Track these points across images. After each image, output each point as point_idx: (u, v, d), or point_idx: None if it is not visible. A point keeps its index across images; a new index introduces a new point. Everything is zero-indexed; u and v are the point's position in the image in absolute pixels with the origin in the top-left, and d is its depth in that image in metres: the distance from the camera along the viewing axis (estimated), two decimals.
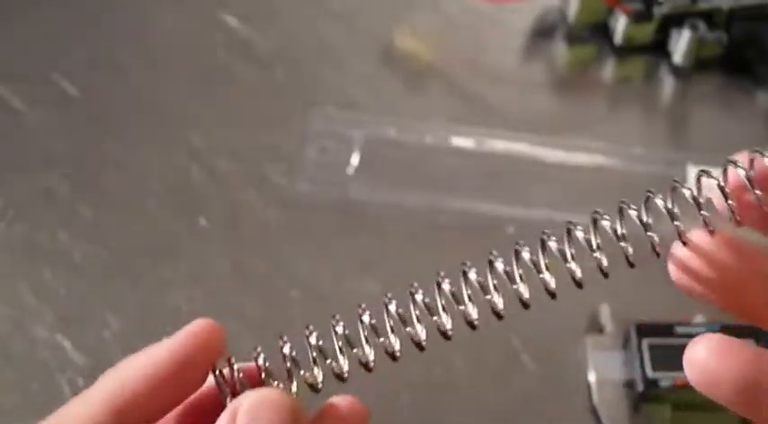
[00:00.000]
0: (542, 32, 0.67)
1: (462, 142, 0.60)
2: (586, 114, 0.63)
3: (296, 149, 0.59)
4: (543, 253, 0.29)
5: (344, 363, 0.30)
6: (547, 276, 0.29)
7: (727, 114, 0.63)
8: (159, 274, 0.55)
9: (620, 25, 0.64)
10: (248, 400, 0.30)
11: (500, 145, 0.60)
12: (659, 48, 0.65)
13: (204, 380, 0.32)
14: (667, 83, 0.64)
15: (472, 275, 0.30)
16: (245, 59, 0.65)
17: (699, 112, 0.64)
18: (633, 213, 0.32)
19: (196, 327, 0.33)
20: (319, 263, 0.55)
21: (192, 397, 0.32)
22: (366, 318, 0.30)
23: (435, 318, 0.30)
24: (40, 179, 0.59)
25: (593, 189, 0.58)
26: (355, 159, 0.59)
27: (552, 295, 0.29)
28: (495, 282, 0.29)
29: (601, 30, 0.66)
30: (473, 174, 0.59)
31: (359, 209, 0.58)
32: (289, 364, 0.31)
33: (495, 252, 0.30)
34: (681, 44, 0.63)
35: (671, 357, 0.48)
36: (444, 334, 0.30)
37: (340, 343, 0.30)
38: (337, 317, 0.31)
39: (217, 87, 0.64)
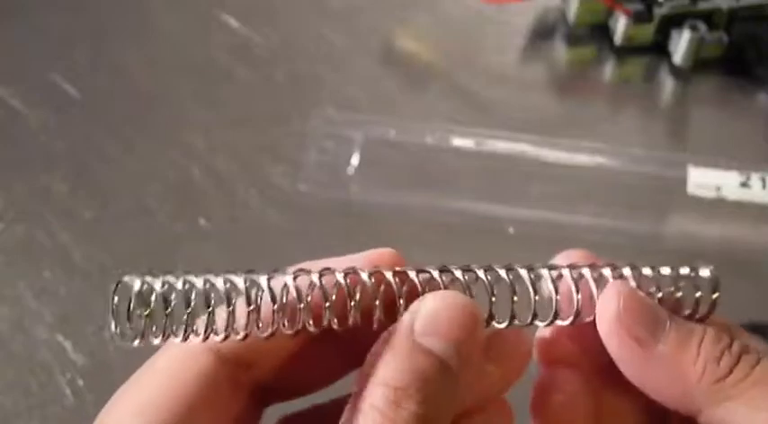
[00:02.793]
0: (542, 32, 0.67)
1: (462, 142, 0.60)
2: (586, 114, 0.63)
3: (296, 149, 0.59)
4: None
5: None
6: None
7: (727, 114, 0.63)
8: None
9: (620, 25, 0.64)
10: (429, 301, 0.30)
11: (500, 145, 0.60)
12: (659, 48, 0.65)
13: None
14: (667, 84, 0.64)
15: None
16: (245, 59, 0.65)
17: (699, 113, 0.64)
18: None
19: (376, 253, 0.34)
20: (319, 263, 0.55)
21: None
22: None
23: None
24: (40, 179, 0.59)
25: (593, 189, 0.58)
26: (355, 159, 0.59)
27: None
28: None
29: (601, 31, 0.66)
30: (473, 174, 0.59)
31: (359, 210, 0.58)
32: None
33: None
34: (681, 45, 0.63)
35: None
36: None
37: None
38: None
39: (217, 87, 0.64)
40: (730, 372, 0.30)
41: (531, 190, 0.58)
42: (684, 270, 0.32)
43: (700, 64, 0.64)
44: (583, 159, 0.59)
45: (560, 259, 0.33)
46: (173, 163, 0.60)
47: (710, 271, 0.32)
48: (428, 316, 0.29)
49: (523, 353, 0.32)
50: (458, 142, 0.60)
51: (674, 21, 0.63)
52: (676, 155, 0.59)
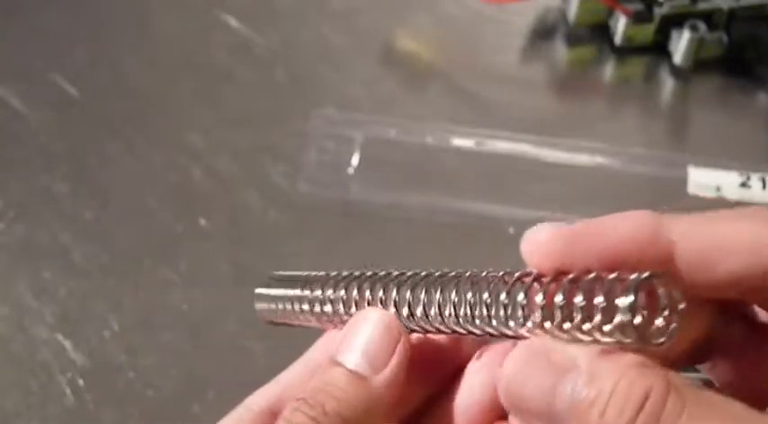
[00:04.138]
0: (542, 32, 0.67)
1: (462, 142, 0.60)
2: (586, 114, 0.63)
3: (296, 149, 0.59)
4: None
5: None
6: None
7: (727, 114, 0.63)
8: (159, 274, 0.55)
9: (621, 25, 0.64)
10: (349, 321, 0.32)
11: (500, 145, 0.60)
12: (659, 48, 0.65)
13: None
14: (667, 84, 0.64)
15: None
16: (245, 59, 0.65)
17: (699, 113, 0.64)
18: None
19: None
20: (319, 263, 0.55)
21: None
22: None
23: None
24: (40, 179, 0.59)
25: (592, 189, 0.58)
26: (355, 159, 0.59)
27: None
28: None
29: (601, 31, 0.66)
30: (473, 174, 0.59)
31: (359, 210, 0.58)
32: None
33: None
34: (681, 45, 0.63)
35: None
36: None
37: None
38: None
39: (217, 87, 0.64)
40: None
41: (531, 190, 0.58)
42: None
43: (700, 64, 0.64)
44: (583, 159, 0.59)
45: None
46: (173, 163, 0.60)
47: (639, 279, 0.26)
48: (344, 334, 0.31)
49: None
50: (458, 142, 0.60)
51: (674, 21, 0.63)
52: (676, 155, 0.59)
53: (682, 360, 0.30)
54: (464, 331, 0.30)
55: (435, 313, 0.30)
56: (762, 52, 0.65)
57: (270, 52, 0.65)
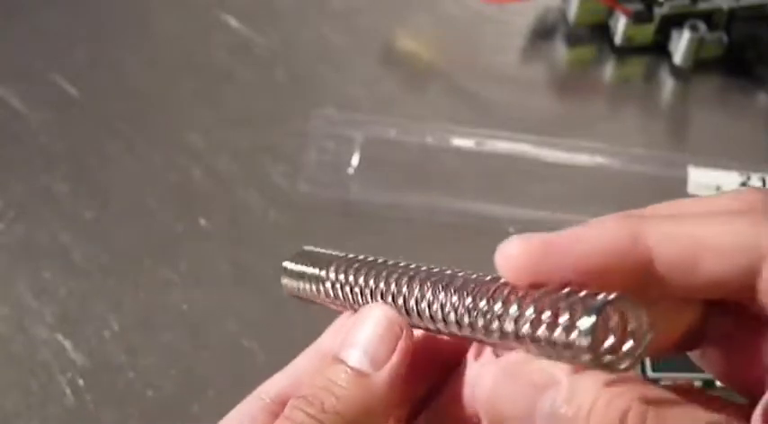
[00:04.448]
0: (542, 32, 0.67)
1: (462, 142, 0.60)
2: (586, 114, 0.63)
3: (296, 149, 0.59)
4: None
5: None
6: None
7: (727, 114, 0.63)
8: (159, 274, 0.55)
9: (621, 25, 0.64)
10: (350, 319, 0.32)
11: (500, 145, 0.60)
12: (659, 48, 0.65)
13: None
14: (667, 84, 0.64)
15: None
16: (245, 59, 0.65)
17: (699, 113, 0.64)
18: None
19: None
20: None
21: None
22: None
23: None
24: (40, 179, 0.59)
25: (592, 189, 0.58)
26: (355, 159, 0.59)
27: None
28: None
29: (601, 31, 0.66)
30: (473, 174, 0.59)
31: (359, 210, 0.58)
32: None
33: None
34: (681, 45, 0.63)
35: (671, 358, 0.48)
36: None
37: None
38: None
39: (217, 87, 0.64)
40: None
41: (531, 190, 0.58)
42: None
43: (700, 64, 0.64)
44: (583, 159, 0.59)
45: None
46: (173, 163, 0.60)
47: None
48: (347, 330, 0.31)
49: None
50: (458, 142, 0.60)
51: (674, 21, 0.63)
52: (676, 155, 0.59)
53: (672, 349, 0.29)
54: (459, 334, 0.30)
55: (430, 312, 0.30)
56: (762, 52, 0.65)
57: (270, 52, 0.65)
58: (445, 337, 0.32)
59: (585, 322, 0.25)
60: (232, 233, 0.57)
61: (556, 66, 0.66)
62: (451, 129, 0.60)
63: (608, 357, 0.25)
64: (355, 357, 0.30)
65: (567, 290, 0.26)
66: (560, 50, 0.66)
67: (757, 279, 0.26)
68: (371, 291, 0.32)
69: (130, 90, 0.63)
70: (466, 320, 0.28)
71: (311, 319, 0.55)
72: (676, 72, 0.65)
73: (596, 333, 0.25)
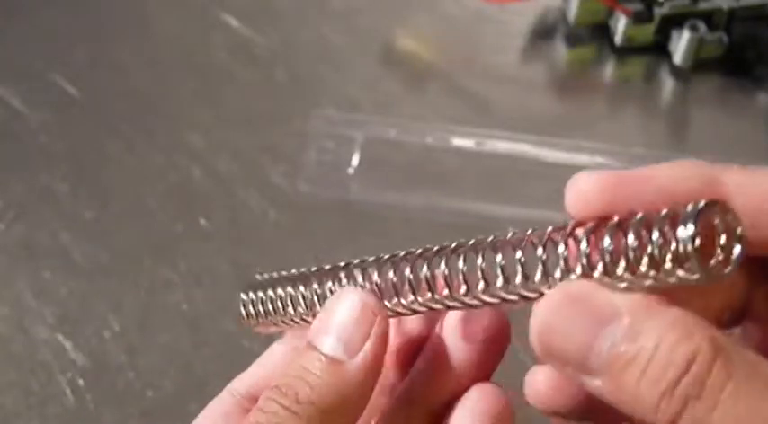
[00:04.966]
0: (542, 32, 0.67)
1: (462, 142, 0.60)
2: (586, 114, 0.63)
3: (296, 149, 0.59)
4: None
5: None
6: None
7: (727, 114, 0.63)
8: (159, 274, 0.55)
9: (621, 25, 0.64)
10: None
11: (500, 145, 0.60)
12: (659, 48, 0.65)
13: None
14: (667, 84, 0.64)
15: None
16: (245, 59, 0.65)
17: (699, 113, 0.64)
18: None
19: None
20: (320, 263, 0.55)
21: None
22: None
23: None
24: (40, 179, 0.59)
25: None
26: (356, 159, 0.59)
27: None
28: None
29: (601, 31, 0.66)
30: (473, 174, 0.59)
31: (359, 210, 0.58)
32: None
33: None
34: (681, 45, 0.63)
35: None
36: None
37: None
38: None
39: (217, 87, 0.64)
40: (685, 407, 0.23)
41: (531, 190, 0.58)
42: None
43: (700, 64, 0.64)
44: (583, 159, 0.59)
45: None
46: (173, 163, 0.60)
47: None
48: (320, 317, 0.31)
49: (498, 328, 0.32)
50: (458, 142, 0.60)
51: (674, 21, 0.63)
52: (676, 155, 0.59)
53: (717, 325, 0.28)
54: (477, 302, 0.28)
55: (452, 285, 0.29)
56: (762, 52, 0.65)
57: (270, 52, 0.65)
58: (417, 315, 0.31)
59: (685, 231, 0.23)
60: (232, 233, 0.57)
61: (556, 66, 0.66)
62: (451, 129, 0.60)
63: (712, 264, 0.24)
64: (329, 344, 0.30)
65: (641, 215, 0.25)
66: (560, 50, 0.66)
67: None
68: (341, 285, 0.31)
69: (130, 90, 0.63)
70: (517, 277, 0.27)
71: None
72: (676, 72, 0.65)
73: (699, 239, 0.23)
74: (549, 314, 0.25)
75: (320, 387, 0.29)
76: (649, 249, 0.24)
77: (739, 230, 0.24)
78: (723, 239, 0.24)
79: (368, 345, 0.30)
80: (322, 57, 0.65)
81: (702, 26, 0.63)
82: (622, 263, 0.24)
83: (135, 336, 0.53)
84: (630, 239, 0.24)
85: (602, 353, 0.24)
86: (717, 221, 0.24)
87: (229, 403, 0.33)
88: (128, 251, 0.56)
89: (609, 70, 0.66)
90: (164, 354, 0.52)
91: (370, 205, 0.58)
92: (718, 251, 0.24)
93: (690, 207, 0.24)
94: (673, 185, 0.26)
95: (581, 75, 0.66)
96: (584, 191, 0.26)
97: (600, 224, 0.25)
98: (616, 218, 0.25)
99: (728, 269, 0.24)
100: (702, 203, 0.24)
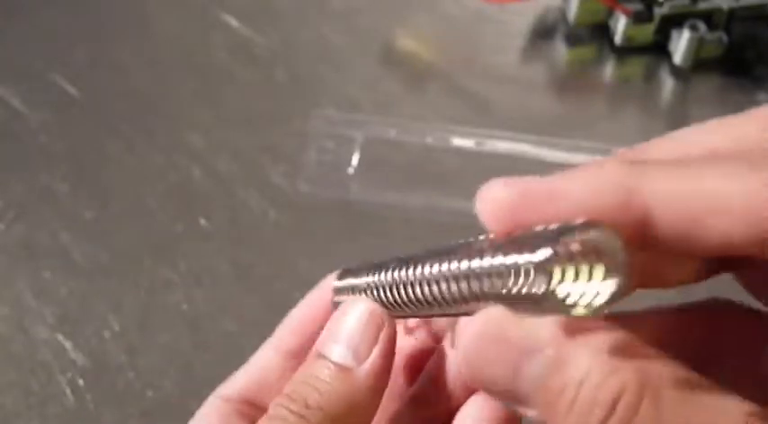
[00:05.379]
0: (542, 32, 0.67)
1: (462, 142, 0.60)
2: (586, 114, 0.63)
3: (296, 149, 0.59)
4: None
5: None
6: None
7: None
8: (159, 274, 0.55)
9: (621, 25, 0.64)
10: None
11: (500, 145, 0.60)
12: (659, 48, 0.65)
13: None
14: (667, 84, 0.64)
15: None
16: (245, 59, 0.65)
17: (699, 112, 0.64)
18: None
19: None
20: (320, 263, 0.55)
21: None
22: None
23: None
24: (40, 179, 0.59)
25: None
26: (356, 159, 0.59)
27: None
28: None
29: (601, 31, 0.66)
30: (473, 174, 0.59)
31: (359, 210, 0.58)
32: None
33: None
34: (681, 44, 0.63)
35: None
36: None
37: None
38: None
39: (217, 87, 0.64)
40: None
41: None
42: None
43: (700, 64, 0.64)
44: (583, 159, 0.59)
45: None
46: (173, 163, 0.60)
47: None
48: (328, 327, 0.31)
49: None
50: (458, 142, 0.60)
51: (674, 21, 0.63)
52: None
53: (697, 277, 0.26)
54: (438, 310, 0.27)
55: (396, 296, 0.29)
56: (762, 52, 0.65)
57: (270, 52, 0.65)
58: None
59: (539, 254, 0.21)
60: (232, 233, 0.57)
61: (556, 66, 0.66)
62: (451, 129, 0.60)
63: (573, 299, 0.22)
64: (337, 351, 0.30)
65: (539, 229, 0.23)
66: (560, 50, 0.66)
67: None
68: (371, 289, 0.31)
69: (130, 90, 0.63)
70: (427, 291, 0.26)
71: None
72: (676, 72, 0.65)
73: (553, 269, 0.21)
74: (472, 347, 0.24)
75: (329, 394, 0.29)
76: (496, 276, 0.23)
77: (620, 257, 0.22)
78: (596, 269, 0.22)
79: (376, 351, 0.30)
80: (322, 57, 0.65)
81: (702, 26, 0.63)
82: (493, 289, 0.23)
83: (135, 336, 0.53)
84: (486, 262, 0.23)
85: (529, 385, 0.23)
86: (578, 248, 0.22)
87: (224, 408, 0.33)
88: (128, 251, 0.56)
89: (609, 70, 0.66)
90: (164, 354, 0.52)
91: (370, 205, 0.58)
92: (584, 283, 0.22)
93: (555, 228, 0.22)
94: (585, 199, 0.24)
95: (581, 75, 0.66)
96: (490, 201, 0.25)
97: (492, 241, 0.24)
98: (491, 236, 0.24)
99: (596, 307, 0.22)
100: (572, 225, 0.22)
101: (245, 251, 0.56)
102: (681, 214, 0.23)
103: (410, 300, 0.28)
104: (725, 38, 0.63)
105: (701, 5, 0.63)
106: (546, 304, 0.21)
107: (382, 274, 0.30)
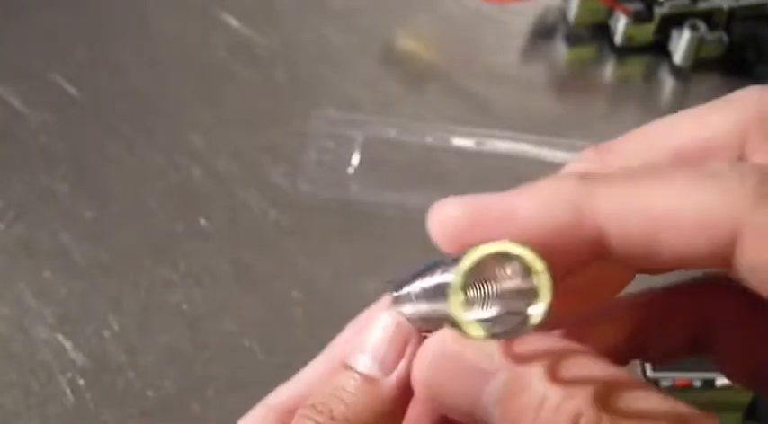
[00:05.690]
0: (542, 32, 0.67)
1: (462, 142, 0.60)
2: (586, 114, 0.63)
3: (296, 149, 0.59)
4: None
5: None
6: None
7: None
8: (159, 274, 0.55)
9: (621, 25, 0.64)
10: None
11: (500, 145, 0.60)
12: (659, 48, 0.65)
13: None
14: (667, 84, 0.64)
15: None
16: (245, 59, 0.65)
17: None
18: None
19: None
20: (319, 263, 0.55)
21: None
22: None
23: None
24: (40, 179, 0.59)
25: None
26: (356, 159, 0.59)
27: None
28: None
29: (601, 30, 0.66)
30: (473, 174, 0.59)
31: (359, 210, 0.58)
32: None
33: None
34: (681, 44, 0.63)
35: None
36: None
37: None
38: None
39: (217, 87, 0.63)
40: None
41: None
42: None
43: (700, 63, 0.64)
44: None
45: None
46: (173, 163, 0.60)
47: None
48: (356, 338, 0.30)
49: None
50: (458, 142, 0.60)
51: (674, 20, 0.63)
52: None
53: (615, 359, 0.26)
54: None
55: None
56: (762, 52, 0.65)
57: (270, 52, 0.65)
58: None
59: (448, 277, 0.21)
60: (232, 233, 0.57)
61: (556, 66, 0.66)
62: (451, 129, 0.60)
63: (486, 324, 0.22)
64: (364, 362, 0.29)
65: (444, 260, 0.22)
66: (560, 50, 0.66)
67: (733, 257, 0.22)
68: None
69: (130, 90, 0.63)
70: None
71: (311, 319, 0.55)
72: (676, 71, 0.65)
73: (462, 291, 0.21)
74: (428, 370, 0.24)
75: (355, 405, 0.29)
76: (436, 296, 0.23)
77: (539, 281, 0.21)
78: (508, 293, 0.22)
79: (402, 364, 0.29)
80: (322, 57, 0.65)
81: (702, 26, 0.63)
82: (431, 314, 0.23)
83: (135, 336, 0.53)
84: (414, 287, 0.23)
85: (488, 409, 0.23)
86: (490, 272, 0.22)
87: (266, 417, 0.33)
88: (128, 251, 0.56)
89: (609, 70, 0.66)
90: (164, 354, 0.52)
91: (370, 205, 0.58)
92: (496, 307, 0.22)
93: (469, 253, 0.22)
94: (536, 220, 0.23)
95: (581, 75, 0.66)
96: (446, 223, 0.24)
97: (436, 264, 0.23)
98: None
99: (517, 332, 0.21)
100: (487, 248, 0.22)
101: (245, 251, 0.56)
102: (633, 232, 0.23)
103: (409, 317, 0.28)
104: (725, 37, 0.63)
105: (702, 5, 0.63)
106: (464, 328, 0.21)
107: (396, 288, 0.30)
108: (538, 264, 0.21)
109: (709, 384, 0.47)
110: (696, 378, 0.48)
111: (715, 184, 0.22)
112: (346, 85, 0.64)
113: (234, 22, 0.66)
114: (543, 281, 0.21)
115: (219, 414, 0.50)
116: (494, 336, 0.21)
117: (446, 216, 0.25)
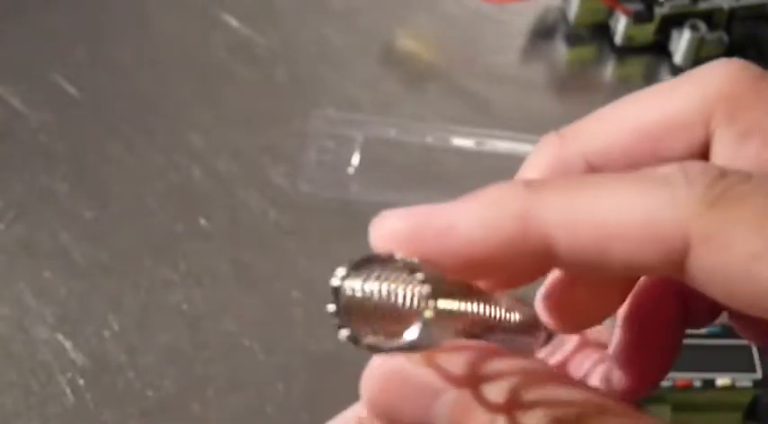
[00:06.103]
0: (542, 32, 0.67)
1: (462, 142, 0.60)
2: (586, 114, 0.63)
3: (296, 150, 0.59)
4: None
5: None
6: None
7: None
8: (159, 274, 0.55)
9: (621, 25, 0.64)
10: None
11: (500, 145, 0.60)
12: (659, 48, 0.65)
13: None
14: None
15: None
16: (245, 59, 0.65)
17: None
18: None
19: None
20: (320, 263, 0.55)
21: None
22: None
23: None
24: (40, 179, 0.59)
25: None
26: (356, 159, 0.59)
27: None
28: None
29: (601, 30, 0.66)
30: (473, 174, 0.59)
31: (359, 210, 0.58)
32: None
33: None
34: (681, 44, 0.63)
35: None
36: None
37: None
38: None
39: (217, 87, 0.64)
40: None
41: None
42: None
43: (700, 63, 0.64)
44: None
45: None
46: (173, 163, 0.60)
47: None
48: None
49: None
50: (458, 142, 0.60)
51: (674, 20, 0.63)
52: None
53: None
54: None
55: None
56: (762, 52, 0.65)
57: (270, 52, 0.65)
58: None
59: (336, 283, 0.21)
60: (232, 233, 0.57)
61: (556, 66, 0.66)
62: (451, 129, 0.60)
63: (369, 337, 0.21)
64: (365, 413, 0.28)
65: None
66: (560, 50, 0.66)
67: (684, 267, 0.21)
68: None
69: (130, 90, 0.63)
70: None
71: (311, 319, 0.55)
72: (676, 72, 0.64)
73: (341, 304, 0.22)
74: (378, 392, 0.23)
75: None
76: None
77: (424, 291, 0.20)
78: (393, 311, 0.21)
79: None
80: (322, 57, 0.65)
81: (703, 26, 0.63)
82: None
83: (135, 336, 0.53)
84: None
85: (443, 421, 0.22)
86: (374, 292, 0.21)
87: None
88: (128, 251, 0.56)
89: (609, 70, 0.66)
90: (164, 354, 0.52)
91: (370, 205, 0.58)
92: (382, 327, 0.21)
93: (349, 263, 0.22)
94: (479, 233, 0.22)
95: (581, 75, 0.66)
96: (387, 236, 0.23)
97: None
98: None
99: (396, 346, 0.20)
100: (366, 259, 0.21)
101: (245, 251, 0.56)
102: (581, 242, 0.22)
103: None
104: (725, 37, 0.63)
105: (702, 5, 0.63)
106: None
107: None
108: (419, 275, 0.20)
109: (709, 384, 0.47)
110: (696, 378, 0.48)
111: (663, 190, 0.21)
112: (346, 85, 0.64)
113: (234, 22, 0.66)
114: (427, 301, 0.20)
115: (219, 414, 0.50)
116: (371, 347, 0.21)
117: (386, 230, 0.23)
